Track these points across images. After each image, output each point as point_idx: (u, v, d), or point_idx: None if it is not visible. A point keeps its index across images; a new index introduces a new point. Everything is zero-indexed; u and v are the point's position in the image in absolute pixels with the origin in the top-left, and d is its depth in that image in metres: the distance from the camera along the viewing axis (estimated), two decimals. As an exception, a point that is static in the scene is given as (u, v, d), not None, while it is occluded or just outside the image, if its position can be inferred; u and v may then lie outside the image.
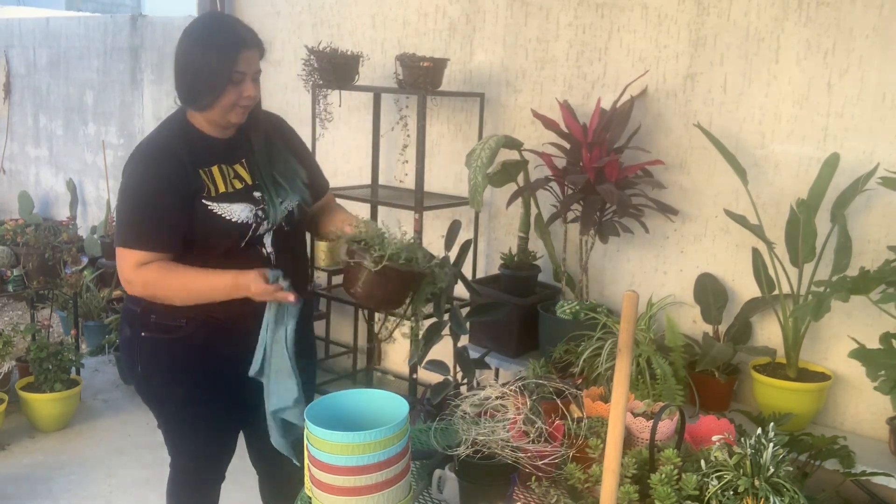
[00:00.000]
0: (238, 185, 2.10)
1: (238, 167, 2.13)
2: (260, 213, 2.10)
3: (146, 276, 1.99)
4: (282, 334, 2.10)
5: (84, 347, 4.61)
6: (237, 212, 2.06)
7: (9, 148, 7.13)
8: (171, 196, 1.99)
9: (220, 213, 2.04)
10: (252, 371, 2.12)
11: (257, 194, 2.12)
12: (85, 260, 4.93)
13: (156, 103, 5.54)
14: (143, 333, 2.12)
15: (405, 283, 2.04)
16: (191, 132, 2.10)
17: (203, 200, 2.02)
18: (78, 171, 6.34)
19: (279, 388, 2.12)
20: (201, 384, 2.18)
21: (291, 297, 2.01)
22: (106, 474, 3.46)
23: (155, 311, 2.09)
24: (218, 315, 2.09)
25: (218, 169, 2.08)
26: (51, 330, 4.28)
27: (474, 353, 3.07)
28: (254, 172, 2.15)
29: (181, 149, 2.04)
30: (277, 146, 2.22)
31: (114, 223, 4.74)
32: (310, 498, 1.67)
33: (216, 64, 2.00)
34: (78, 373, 4.08)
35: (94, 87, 6.09)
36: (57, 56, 6.43)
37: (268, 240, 2.13)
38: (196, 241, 2.04)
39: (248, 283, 1.98)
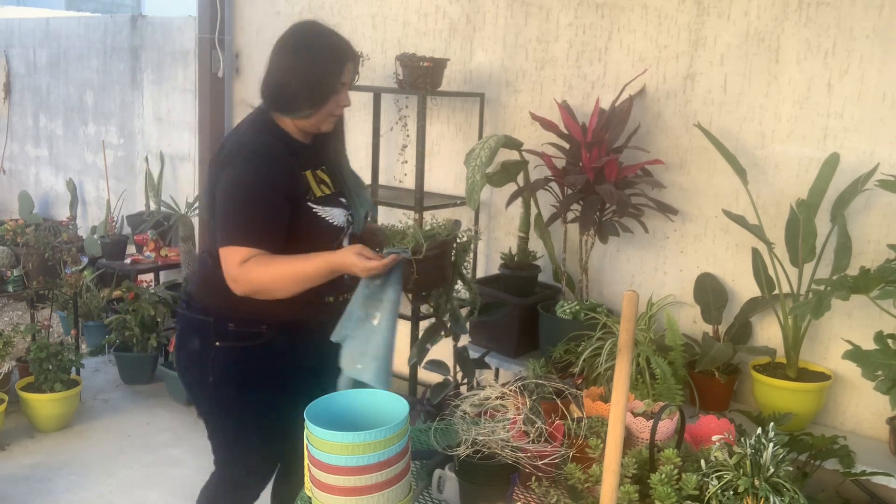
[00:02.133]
0: (327, 191, 2.18)
1: (321, 173, 2.19)
2: (349, 217, 2.20)
3: (249, 272, 1.95)
4: (388, 297, 2.06)
5: (84, 347, 4.61)
6: (336, 215, 2.14)
7: (9, 148, 7.13)
8: (280, 197, 2.01)
9: (322, 215, 2.10)
10: (336, 336, 2.08)
11: (343, 200, 2.21)
12: (85, 260, 4.93)
13: (156, 103, 5.54)
14: (217, 343, 2.09)
15: (445, 253, 2.15)
16: (285, 137, 2.13)
17: (308, 203, 2.08)
18: (78, 171, 6.34)
19: (372, 347, 2.06)
20: (279, 391, 2.16)
21: (396, 258, 2.01)
22: (106, 474, 3.47)
23: (234, 319, 2.09)
24: (298, 317, 2.11)
25: (311, 173, 2.14)
26: (51, 330, 4.28)
27: (474, 353, 3.07)
28: (334, 179, 2.22)
29: (285, 152, 2.08)
30: (346, 156, 2.31)
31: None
32: (310, 498, 1.67)
33: (323, 75, 2.06)
34: (78, 373, 4.08)
35: (94, 87, 6.09)
36: (57, 56, 6.43)
37: (345, 243, 2.20)
38: (291, 242, 2.04)
39: (353, 261, 1.96)
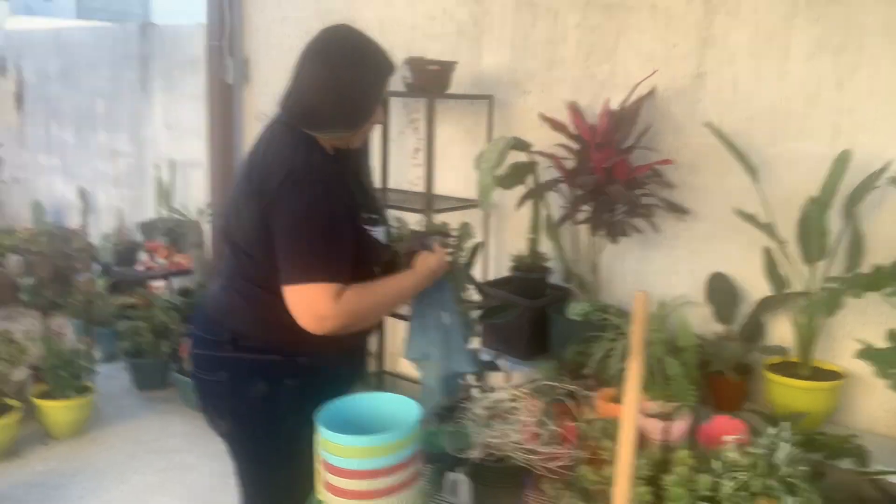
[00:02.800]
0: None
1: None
2: (388, 233, 2.07)
3: (349, 304, 1.81)
4: (442, 294, 2.12)
5: (97, 354, 4.62)
6: (381, 234, 2.00)
7: (21, 157, 7.18)
8: (348, 221, 1.88)
9: (374, 235, 1.97)
10: (412, 355, 2.09)
11: (375, 216, 2.02)
12: (97, 267, 4.96)
13: (166, 111, 5.56)
14: (287, 382, 1.93)
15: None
16: (325, 154, 1.94)
17: (363, 224, 1.94)
18: (89, 179, 6.38)
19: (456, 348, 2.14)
20: None
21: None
22: (119, 480, 3.48)
23: (304, 353, 1.92)
24: (361, 339, 2.08)
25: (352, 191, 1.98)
26: (64, 337, 4.31)
27: (485, 356, 3.07)
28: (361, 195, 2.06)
29: (336, 171, 1.91)
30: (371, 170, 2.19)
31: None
32: (320, 501, 1.67)
33: (364, 94, 1.90)
34: (91, 380, 4.10)
35: (105, 95, 6.12)
36: (68, 65, 6.48)
37: None
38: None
39: (432, 260, 1.97)
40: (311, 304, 1.79)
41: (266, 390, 1.92)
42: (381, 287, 1.91)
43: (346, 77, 1.86)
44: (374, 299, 1.88)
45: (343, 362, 2.02)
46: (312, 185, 1.82)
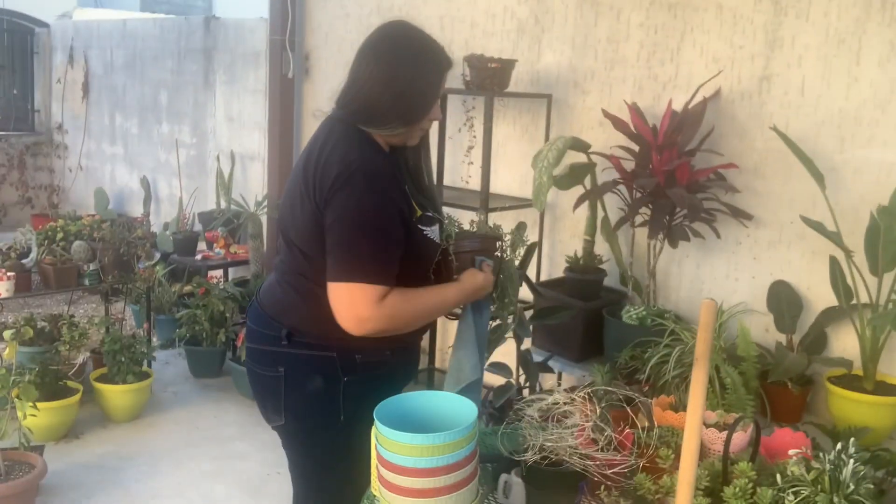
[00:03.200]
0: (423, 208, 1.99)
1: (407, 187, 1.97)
2: (442, 231, 2.02)
3: (391, 308, 1.80)
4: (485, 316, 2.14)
5: (155, 341, 4.73)
6: (436, 233, 1.97)
7: (86, 145, 7.38)
8: (400, 222, 1.85)
9: (430, 235, 1.94)
10: (455, 388, 2.06)
11: (430, 214, 1.99)
12: (157, 255, 5.07)
13: (227, 104, 5.66)
14: (345, 379, 1.93)
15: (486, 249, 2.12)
16: (382, 151, 1.93)
17: (418, 224, 1.91)
18: (151, 168, 6.53)
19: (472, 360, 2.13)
20: None
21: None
22: (175, 466, 3.55)
23: (360, 350, 1.91)
24: (415, 336, 2.06)
25: (406, 189, 1.94)
26: (124, 323, 4.42)
27: (537, 357, 3.06)
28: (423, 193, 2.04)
29: (392, 169, 1.89)
30: (431, 168, 2.16)
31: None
32: (374, 497, 1.68)
33: (421, 91, 1.89)
34: (149, 365, 4.20)
35: (168, 87, 6.26)
36: (133, 57, 6.63)
37: None
38: (401, 266, 1.86)
39: (478, 282, 1.98)
40: (352, 305, 1.78)
41: (322, 386, 1.93)
42: (425, 296, 1.90)
43: (403, 73, 1.86)
44: (416, 307, 1.87)
45: (398, 358, 2.00)
46: (366, 183, 1.80)
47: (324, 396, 1.93)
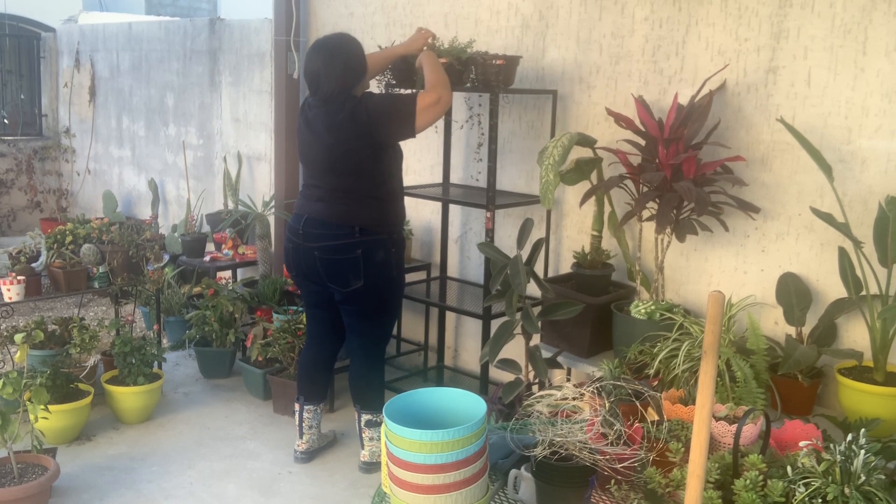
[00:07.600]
0: None
1: None
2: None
3: (436, 89, 3.10)
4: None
5: (165, 342, 4.75)
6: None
7: (94, 148, 7.41)
8: None
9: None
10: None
11: None
12: (166, 257, 5.08)
13: (233, 105, 5.67)
14: (392, 250, 3.19)
15: None
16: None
17: None
18: (159, 170, 6.55)
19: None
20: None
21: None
22: (186, 466, 3.57)
23: (395, 232, 3.22)
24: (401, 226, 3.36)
25: None
26: (134, 325, 4.43)
27: (546, 353, 3.06)
28: None
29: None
30: None
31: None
32: (385, 493, 1.69)
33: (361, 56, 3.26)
34: (160, 367, 4.21)
35: (175, 89, 6.27)
36: (139, 59, 6.65)
37: None
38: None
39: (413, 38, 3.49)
40: (426, 98, 3.07)
41: (384, 256, 3.17)
42: (427, 72, 3.21)
43: (346, 54, 3.13)
44: (435, 75, 3.16)
45: (403, 236, 3.36)
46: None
47: (385, 261, 3.18)
